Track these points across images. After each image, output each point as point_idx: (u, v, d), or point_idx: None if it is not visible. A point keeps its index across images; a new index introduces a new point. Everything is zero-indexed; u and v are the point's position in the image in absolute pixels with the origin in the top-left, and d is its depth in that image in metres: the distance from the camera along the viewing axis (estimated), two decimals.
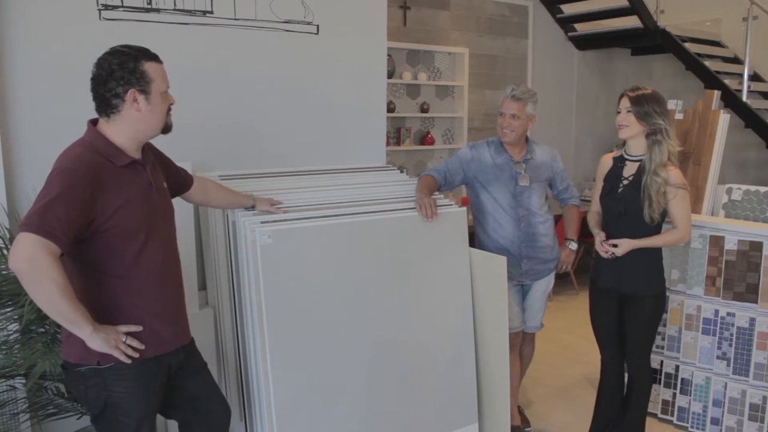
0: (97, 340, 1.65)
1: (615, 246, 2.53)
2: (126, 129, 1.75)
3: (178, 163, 2.12)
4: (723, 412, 2.97)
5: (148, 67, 1.73)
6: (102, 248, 1.70)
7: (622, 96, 2.51)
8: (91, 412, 1.80)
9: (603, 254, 2.57)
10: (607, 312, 2.67)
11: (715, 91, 3.35)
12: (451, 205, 2.62)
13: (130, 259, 1.73)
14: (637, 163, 2.54)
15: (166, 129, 1.84)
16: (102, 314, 1.71)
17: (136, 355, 1.71)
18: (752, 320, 2.88)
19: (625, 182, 2.55)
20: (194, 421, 2.01)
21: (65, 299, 1.57)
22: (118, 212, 1.69)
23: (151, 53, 1.78)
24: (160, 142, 2.03)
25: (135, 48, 1.75)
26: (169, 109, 1.84)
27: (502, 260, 2.46)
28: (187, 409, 1.99)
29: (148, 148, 1.88)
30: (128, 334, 1.74)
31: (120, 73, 1.70)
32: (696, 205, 3.23)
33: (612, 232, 2.58)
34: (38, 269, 1.54)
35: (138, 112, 1.73)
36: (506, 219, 2.78)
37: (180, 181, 2.09)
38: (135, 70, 1.71)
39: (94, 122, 1.78)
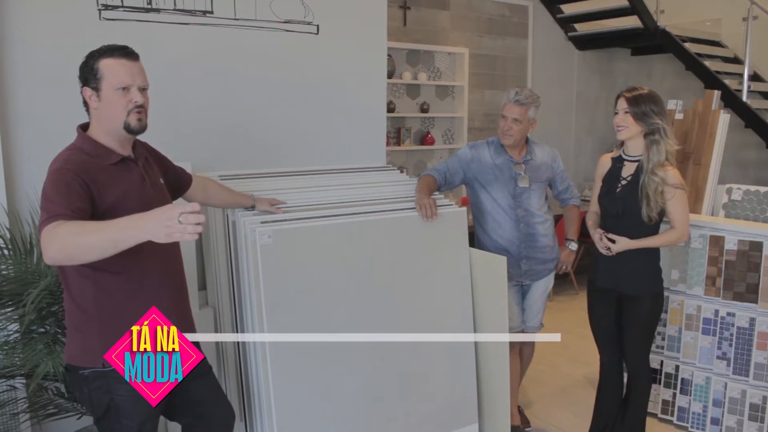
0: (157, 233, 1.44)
1: (613, 242, 2.54)
2: (99, 126, 1.76)
3: (178, 163, 2.12)
4: (723, 412, 2.97)
5: (104, 63, 1.72)
6: None
7: (618, 97, 2.51)
8: (94, 414, 1.80)
9: (602, 249, 2.58)
10: (605, 312, 2.67)
11: (715, 91, 3.35)
12: (451, 205, 2.62)
13: (127, 254, 1.73)
14: (636, 164, 2.53)
15: (130, 129, 1.74)
16: (102, 313, 1.72)
17: (199, 229, 1.44)
18: (752, 320, 2.87)
19: (624, 182, 2.55)
20: (196, 424, 2.00)
21: (97, 233, 1.48)
22: (113, 208, 1.69)
23: (121, 51, 1.74)
24: (161, 141, 2.04)
25: (105, 46, 1.75)
26: (140, 110, 1.74)
27: (502, 260, 2.46)
28: (190, 412, 1.98)
29: (140, 145, 1.89)
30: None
31: (81, 73, 1.74)
32: (696, 205, 3.23)
33: (610, 232, 2.58)
34: (59, 241, 1.49)
35: (95, 110, 1.75)
36: (505, 219, 2.78)
37: (178, 181, 2.09)
38: (92, 68, 1.72)
39: (84, 127, 1.80)
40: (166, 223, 1.40)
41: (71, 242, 1.49)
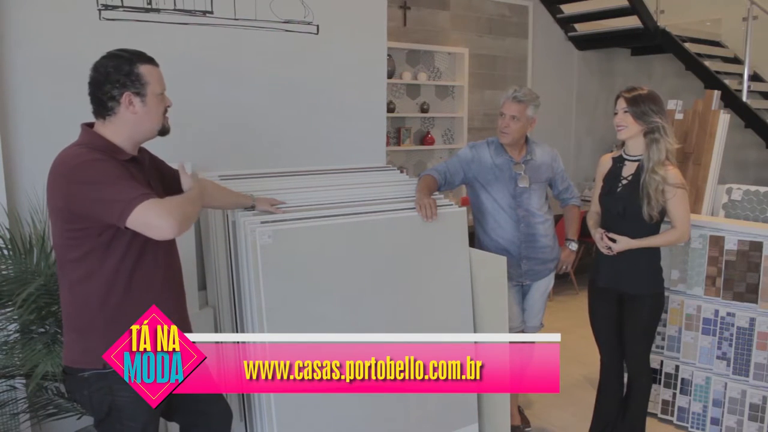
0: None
1: (614, 241, 2.54)
2: (123, 131, 1.75)
3: (178, 164, 2.11)
4: (723, 412, 2.97)
5: (144, 69, 1.74)
6: (119, 247, 1.70)
7: (618, 97, 2.51)
8: (95, 416, 1.79)
9: (603, 249, 2.58)
10: (606, 312, 2.67)
11: (715, 91, 3.35)
12: (451, 205, 2.62)
13: (131, 254, 1.73)
14: (636, 163, 2.54)
15: (163, 131, 1.84)
16: (106, 314, 1.72)
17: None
18: (752, 320, 2.87)
19: (624, 182, 2.55)
20: (195, 424, 2.00)
21: (193, 204, 1.81)
22: None
23: (147, 56, 1.78)
24: (161, 141, 2.03)
25: (131, 51, 1.76)
26: (166, 112, 1.84)
27: (502, 260, 2.46)
28: (189, 412, 1.98)
29: (141, 150, 1.89)
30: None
31: (116, 76, 1.72)
32: (696, 205, 3.23)
33: (611, 232, 2.58)
34: (175, 213, 1.63)
35: (134, 115, 1.74)
36: (506, 219, 2.78)
37: (176, 183, 2.08)
38: (130, 72, 1.72)
39: (89, 125, 1.78)
40: None
41: (182, 212, 1.66)
